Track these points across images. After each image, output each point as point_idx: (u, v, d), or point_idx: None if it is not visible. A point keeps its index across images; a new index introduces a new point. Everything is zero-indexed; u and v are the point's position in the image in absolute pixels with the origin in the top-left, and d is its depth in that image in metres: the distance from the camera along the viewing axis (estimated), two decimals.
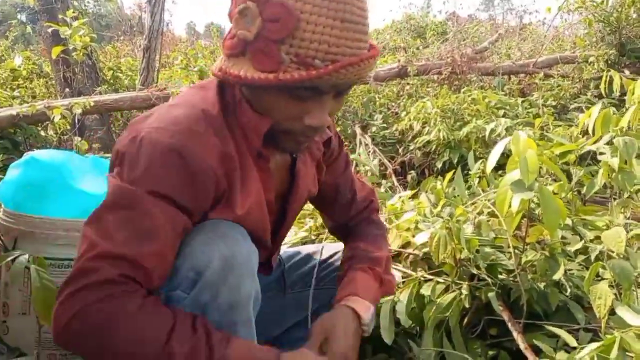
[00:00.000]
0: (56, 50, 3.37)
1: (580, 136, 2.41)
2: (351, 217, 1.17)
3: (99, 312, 0.68)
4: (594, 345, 0.95)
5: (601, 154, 1.47)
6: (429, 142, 3.31)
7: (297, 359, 0.81)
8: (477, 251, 1.34)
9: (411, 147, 3.46)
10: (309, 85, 0.74)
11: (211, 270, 0.75)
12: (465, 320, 1.34)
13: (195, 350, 0.70)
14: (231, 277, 0.77)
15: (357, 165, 2.65)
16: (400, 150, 3.57)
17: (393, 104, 4.38)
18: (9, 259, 1.19)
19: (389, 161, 3.22)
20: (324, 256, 1.23)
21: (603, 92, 1.99)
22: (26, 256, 1.16)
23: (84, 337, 0.69)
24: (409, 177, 3.08)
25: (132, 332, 0.69)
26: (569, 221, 1.56)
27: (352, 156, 2.80)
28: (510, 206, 1.24)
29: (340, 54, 0.72)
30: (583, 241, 1.40)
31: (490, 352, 1.31)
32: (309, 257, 1.24)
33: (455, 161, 3.11)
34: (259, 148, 0.86)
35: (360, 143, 3.31)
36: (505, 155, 1.35)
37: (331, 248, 1.25)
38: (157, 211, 0.73)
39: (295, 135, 0.83)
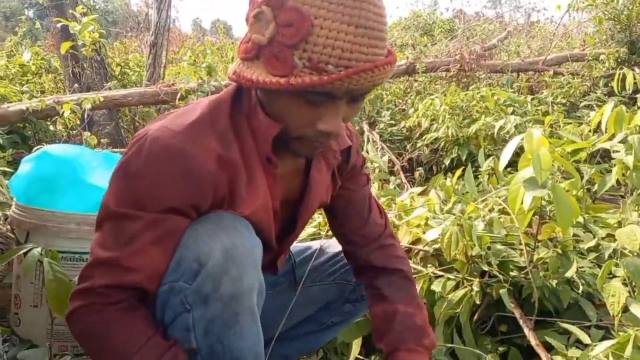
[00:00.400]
0: (65, 46, 3.38)
1: (591, 134, 2.39)
2: (365, 237, 1.11)
3: (83, 317, 0.77)
4: (609, 342, 0.95)
5: (615, 151, 1.46)
6: (437, 139, 3.30)
7: None
8: (489, 248, 1.33)
9: (419, 144, 3.46)
10: (321, 90, 0.74)
11: (213, 261, 0.76)
12: (476, 316, 1.34)
13: None
14: (233, 268, 0.77)
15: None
16: (408, 147, 3.56)
17: (400, 101, 4.37)
18: (22, 252, 1.20)
19: (397, 158, 3.21)
20: (334, 251, 1.23)
21: (616, 90, 1.98)
22: (39, 249, 1.17)
23: (75, 334, 0.80)
24: (416, 174, 3.08)
25: (100, 342, 0.77)
26: (580, 219, 1.55)
27: None
28: (522, 203, 1.23)
29: (354, 60, 0.71)
30: (596, 239, 1.40)
31: (500, 349, 1.31)
32: (318, 252, 1.24)
33: (463, 158, 3.10)
34: (268, 153, 0.85)
35: (368, 140, 3.31)
36: (515, 152, 1.35)
37: None
38: (145, 216, 0.76)
39: (308, 140, 0.82)
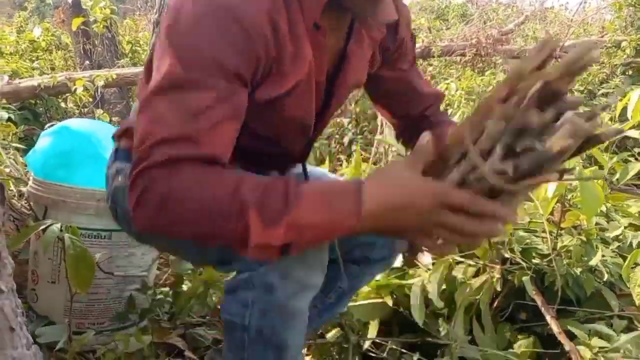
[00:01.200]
0: (77, 22, 3.35)
1: (610, 122, 2.35)
2: (422, 111, 1.10)
3: (162, 184, 0.66)
4: (635, 333, 0.93)
5: None
6: None
7: (384, 174, 0.71)
8: (511, 234, 1.31)
9: None
10: None
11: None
12: (495, 303, 1.33)
13: (268, 191, 0.65)
14: (301, 265, 0.78)
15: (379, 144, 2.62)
16: None
17: None
18: (41, 227, 1.19)
19: None
20: None
21: None
22: (58, 225, 1.16)
23: (153, 214, 0.67)
24: None
25: (198, 192, 0.65)
26: (602, 207, 1.53)
27: (377, 136, 2.76)
28: (546, 190, 1.21)
29: None
30: (622, 228, 1.37)
31: (520, 337, 1.30)
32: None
33: None
34: (316, 19, 0.79)
35: (385, 123, 3.27)
36: None
37: None
38: (208, 83, 0.69)
39: None
